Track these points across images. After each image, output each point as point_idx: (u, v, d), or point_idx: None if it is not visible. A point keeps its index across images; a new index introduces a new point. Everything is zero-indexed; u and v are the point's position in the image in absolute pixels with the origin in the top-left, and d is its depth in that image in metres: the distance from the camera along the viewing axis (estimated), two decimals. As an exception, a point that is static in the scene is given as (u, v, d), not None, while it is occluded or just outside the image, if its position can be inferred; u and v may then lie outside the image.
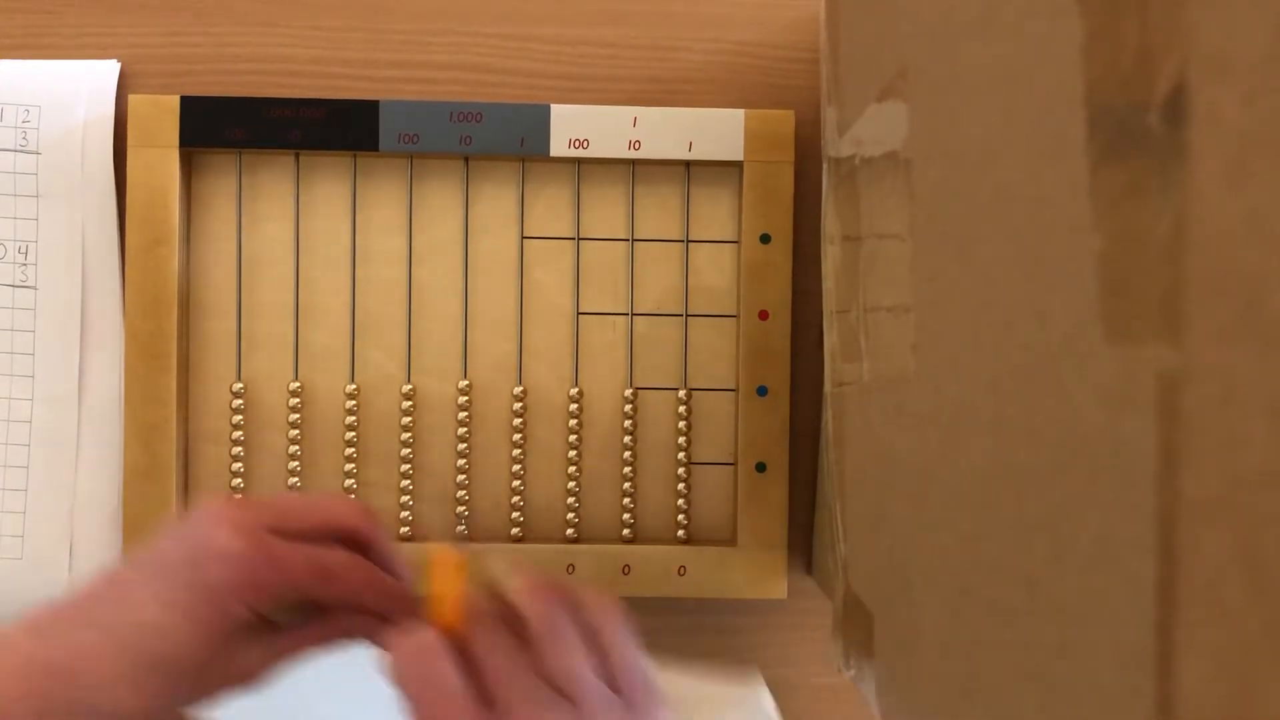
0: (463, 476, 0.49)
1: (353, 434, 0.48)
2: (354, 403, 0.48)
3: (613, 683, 0.32)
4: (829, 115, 0.41)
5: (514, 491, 0.49)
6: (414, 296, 0.49)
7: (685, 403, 0.49)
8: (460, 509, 0.49)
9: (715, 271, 0.49)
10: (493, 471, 0.50)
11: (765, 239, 0.48)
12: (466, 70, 0.49)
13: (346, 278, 0.49)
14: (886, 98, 0.31)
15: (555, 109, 0.48)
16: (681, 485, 0.49)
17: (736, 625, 0.51)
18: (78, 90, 0.48)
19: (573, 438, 0.49)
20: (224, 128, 0.47)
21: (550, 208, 0.49)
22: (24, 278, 0.47)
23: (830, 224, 0.40)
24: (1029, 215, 0.21)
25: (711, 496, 0.50)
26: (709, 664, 0.50)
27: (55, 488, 0.48)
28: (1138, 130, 0.16)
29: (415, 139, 0.47)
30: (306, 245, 0.49)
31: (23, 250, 0.48)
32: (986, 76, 0.23)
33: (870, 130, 0.33)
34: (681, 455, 0.49)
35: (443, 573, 0.33)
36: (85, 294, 0.48)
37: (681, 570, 0.48)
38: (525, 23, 0.49)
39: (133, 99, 0.47)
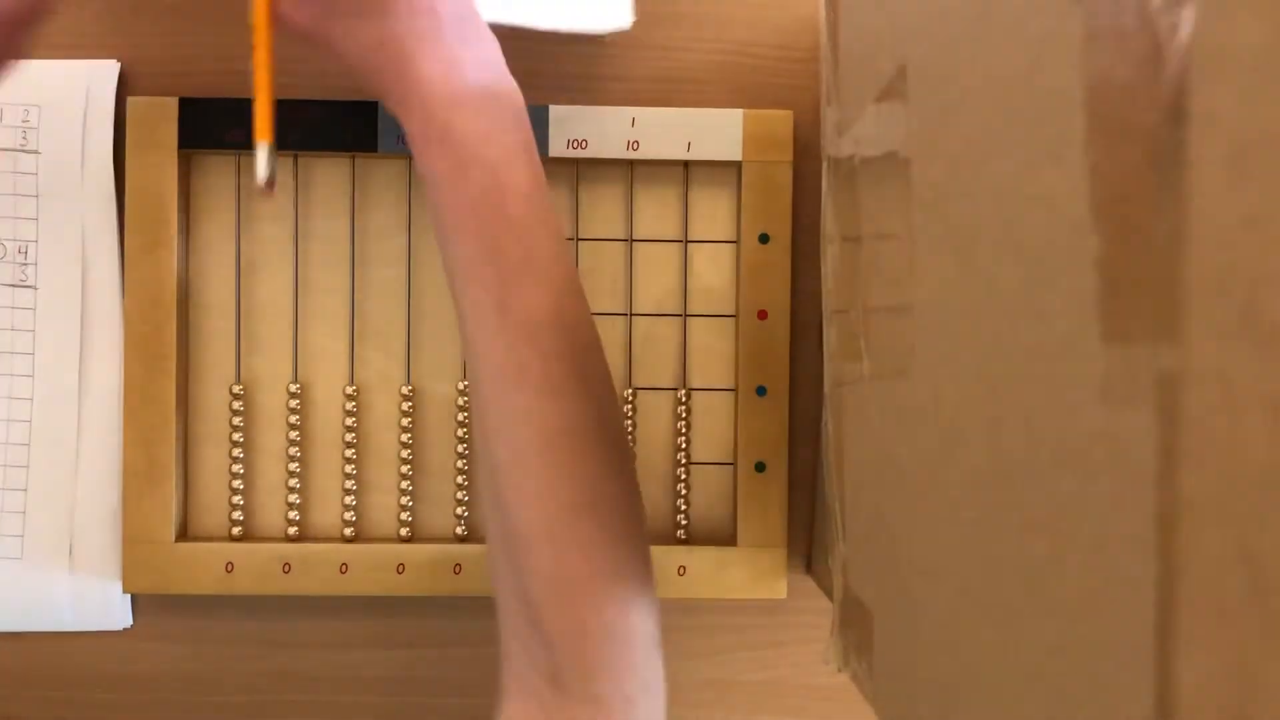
0: (462, 477, 0.49)
1: (352, 434, 0.48)
2: (354, 403, 0.48)
3: None
4: (829, 115, 0.41)
5: (514, 492, 0.49)
6: (414, 297, 0.49)
7: (684, 403, 0.49)
8: (459, 509, 0.49)
9: (714, 271, 0.49)
10: (492, 472, 0.49)
11: (764, 239, 0.48)
12: (466, 70, 0.49)
13: (346, 278, 0.49)
14: (886, 98, 0.31)
15: (554, 109, 0.47)
16: (681, 485, 0.49)
17: (736, 625, 0.51)
18: (78, 90, 0.48)
19: (572, 438, 0.49)
20: (223, 129, 0.47)
21: (550, 208, 0.49)
22: (24, 278, 0.47)
23: (830, 224, 0.40)
24: (1029, 215, 0.21)
25: (711, 496, 0.50)
26: (709, 664, 0.50)
27: (55, 488, 0.48)
28: (1138, 130, 0.16)
29: (415, 139, 0.47)
30: (306, 246, 0.49)
31: (23, 250, 0.48)
32: (986, 76, 0.23)
33: (870, 130, 0.33)
34: (681, 455, 0.49)
35: None
36: (85, 294, 0.48)
37: (681, 570, 0.48)
38: (525, 23, 0.49)
39: (131, 101, 0.47)
